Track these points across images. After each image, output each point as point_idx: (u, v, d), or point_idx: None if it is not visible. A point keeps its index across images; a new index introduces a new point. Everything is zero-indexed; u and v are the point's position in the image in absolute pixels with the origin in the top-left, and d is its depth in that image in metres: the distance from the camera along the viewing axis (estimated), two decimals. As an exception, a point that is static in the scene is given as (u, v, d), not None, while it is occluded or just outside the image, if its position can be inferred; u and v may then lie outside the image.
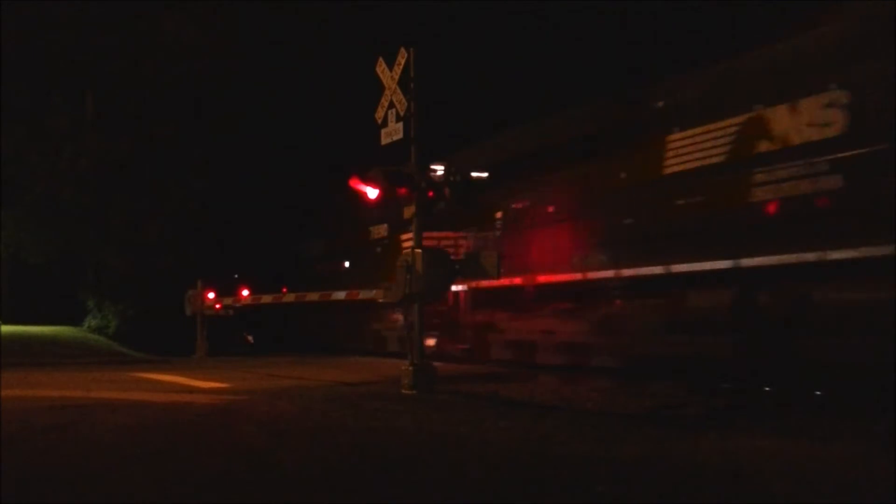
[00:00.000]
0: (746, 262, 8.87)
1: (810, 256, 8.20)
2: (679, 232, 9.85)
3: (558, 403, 8.17)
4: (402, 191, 9.29)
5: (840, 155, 8.03)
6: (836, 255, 7.94)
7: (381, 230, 17.54)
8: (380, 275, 13.30)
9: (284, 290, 16.95)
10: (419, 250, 9.07)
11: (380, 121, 9.69)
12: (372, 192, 9.37)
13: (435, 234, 13.89)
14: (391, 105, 9.49)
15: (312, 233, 21.50)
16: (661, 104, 10.51)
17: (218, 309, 17.18)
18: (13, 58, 17.48)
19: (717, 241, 9.27)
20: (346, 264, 19.51)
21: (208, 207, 19.85)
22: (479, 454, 5.31)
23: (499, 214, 13.81)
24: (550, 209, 12.61)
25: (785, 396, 8.51)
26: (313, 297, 14.94)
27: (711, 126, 9.49)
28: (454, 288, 13.48)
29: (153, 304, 18.66)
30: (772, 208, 8.71)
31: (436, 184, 9.36)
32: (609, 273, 10.96)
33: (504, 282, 12.12)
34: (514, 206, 13.51)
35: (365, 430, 6.38)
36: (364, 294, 13.15)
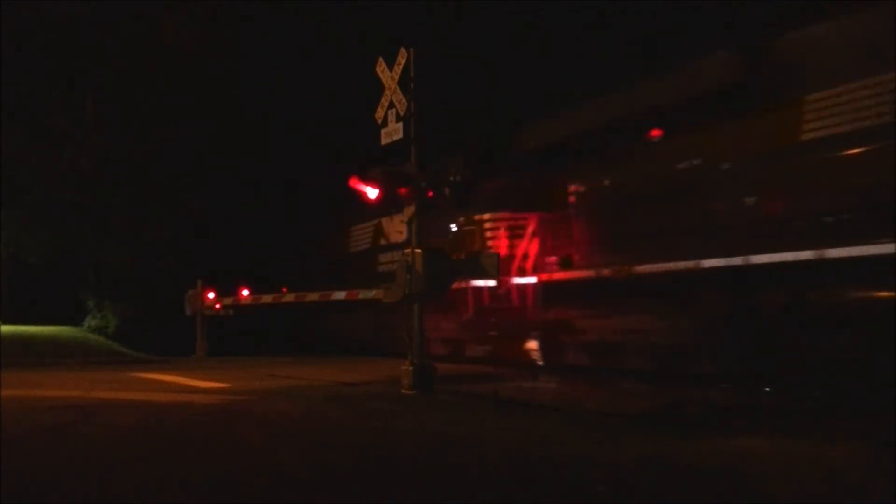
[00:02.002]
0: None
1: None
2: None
3: (558, 403, 8.17)
4: (402, 191, 9.29)
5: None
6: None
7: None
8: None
9: (284, 290, 16.94)
10: (419, 250, 9.07)
11: (380, 121, 9.68)
12: (372, 192, 9.36)
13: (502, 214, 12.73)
14: (391, 105, 9.49)
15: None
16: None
17: (218, 309, 17.20)
18: (13, 58, 17.48)
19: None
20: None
21: (208, 207, 19.85)
22: (479, 454, 5.30)
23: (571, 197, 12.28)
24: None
25: (785, 396, 8.52)
26: (313, 296, 14.93)
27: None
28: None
29: (153, 304, 18.64)
30: None
31: (436, 184, 9.35)
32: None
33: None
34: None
35: (365, 429, 6.38)
36: (364, 294, 13.13)
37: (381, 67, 9.62)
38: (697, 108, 9.93)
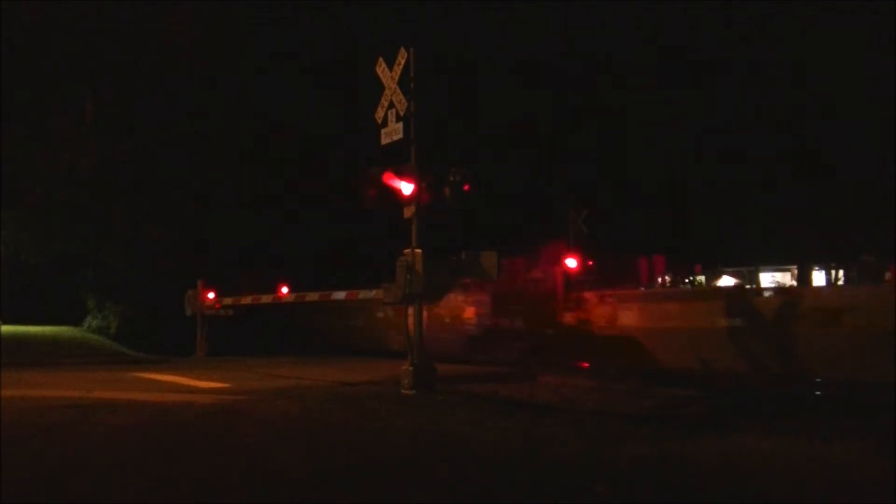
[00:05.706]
0: None
1: None
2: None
3: (558, 403, 8.17)
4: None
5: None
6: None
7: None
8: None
9: (283, 289, 16.92)
10: (419, 250, 9.06)
11: (380, 121, 9.67)
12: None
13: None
14: (391, 105, 9.48)
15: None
16: None
17: (218, 309, 17.19)
18: (14, 58, 17.48)
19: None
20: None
21: (208, 207, 19.84)
22: (479, 454, 5.30)
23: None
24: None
25: (785, 396, 8.52)
26: (313, 296, 14.92)
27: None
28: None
29: (153, 304, 18.66)
30: None
31: (435, 184, 9.33)
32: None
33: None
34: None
35: (365, 430, 6.37)
36: (364, 294, 13.12)
37: (381, 67, 9.61)
38: None
